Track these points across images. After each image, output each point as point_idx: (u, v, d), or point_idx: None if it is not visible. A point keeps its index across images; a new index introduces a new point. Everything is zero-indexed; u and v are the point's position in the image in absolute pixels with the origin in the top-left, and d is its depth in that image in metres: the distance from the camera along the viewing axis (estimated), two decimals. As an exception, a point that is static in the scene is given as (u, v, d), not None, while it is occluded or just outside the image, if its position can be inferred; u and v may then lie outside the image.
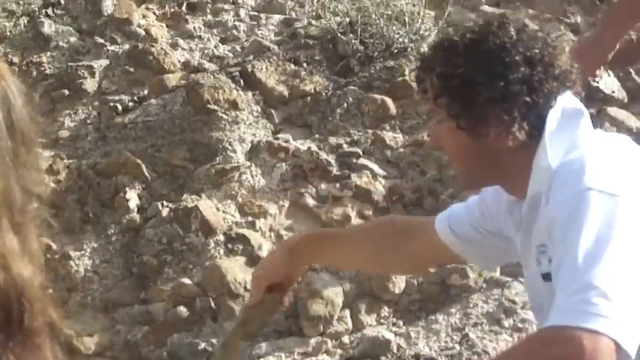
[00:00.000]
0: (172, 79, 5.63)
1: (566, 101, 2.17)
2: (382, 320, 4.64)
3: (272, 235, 4.89)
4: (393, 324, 4.62)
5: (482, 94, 2.10)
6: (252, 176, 5.08)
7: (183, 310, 4.62)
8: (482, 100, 2.11)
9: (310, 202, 4.95)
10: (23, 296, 0.89)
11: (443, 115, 2.18)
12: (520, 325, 4.41)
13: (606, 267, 1.91)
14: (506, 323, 4.41)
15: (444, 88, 2.16)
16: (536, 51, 2.12)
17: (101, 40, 6.06)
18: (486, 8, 5.97)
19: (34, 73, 5.94)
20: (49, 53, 6.05)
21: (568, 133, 2.13)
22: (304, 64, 5.57)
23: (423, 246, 2.56)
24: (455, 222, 2.49)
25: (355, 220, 4.87)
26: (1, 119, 0.93)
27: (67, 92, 5.72)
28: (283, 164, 5.10)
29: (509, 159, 2.17)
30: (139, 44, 5.89)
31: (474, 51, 2.13)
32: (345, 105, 5.31)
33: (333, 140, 5.18)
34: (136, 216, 5.01)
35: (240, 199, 5.00)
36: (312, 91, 5.42)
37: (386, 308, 4.66)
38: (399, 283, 4.63)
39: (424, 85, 2.24)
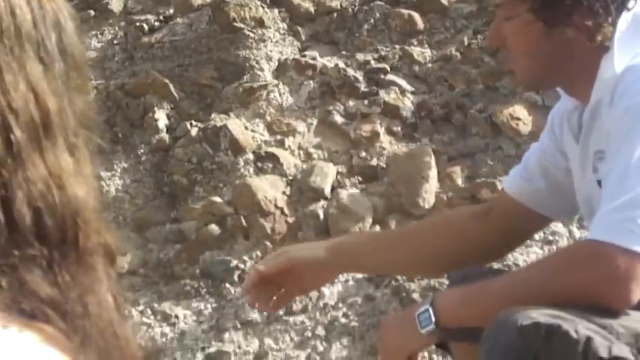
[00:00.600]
0: (198, -2, 5.59)
1: (637, 6, 2.14)
2: (412, 235, 4.65)
3: (301, 153, 4.90)
4: (423, 239, 4.63)
5: None
6: (279, 94, 5.07)
7: (214, 228, 4.65)
8: None
9: (338, 119, 4.94)
10: (78, 216, 0.90)
11: (519, 8, 2.14)
12: (550, 237, 4.42)
13: None
14: (536, 236, 4.41)
15: None
16: None
17: (125, -40, 6.02)
18: None
19: (59, -5, 5.91)
20: (73, -26, 6.02)
21: (637, 39, 2.11)
22: (330, -20, 5.51)
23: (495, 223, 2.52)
24: (522, 170, 2.49)
25: (384, 137, 4.86)
26: (54, 42, 0.94)
27: (92, 13, 5.70)
28: (311, 82, 5.08)
29: (579, 61, 2.14)
30: (164, -37, 5.84)
31: None
32: (372, 21, 5.26)
33: (360, 57, 5.15)
34: (165, 136, 5.03)
35: (268, 118, 5.00)
36: (339, 7, 5.37)
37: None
38: (428, 199, 4.64)
39: None
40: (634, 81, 2.01)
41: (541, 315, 1.85)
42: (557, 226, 4.40)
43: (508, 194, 2.47)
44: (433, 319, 2.08)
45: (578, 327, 1.83)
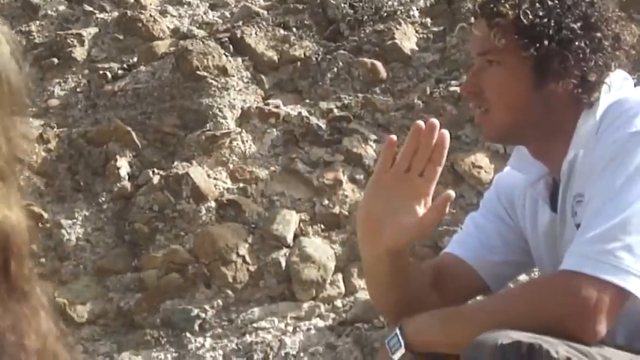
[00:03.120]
0: (162, 46, 5.60)
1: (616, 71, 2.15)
2: (374, 284, 4.63)
3: (264, 200, 4.89)
4: (386, 287, 4.61)
5: (570, 40, 2.09)
6: (242, 142, 5.06)
7: (175, 276, 4.62)
8: (570, 45, 2.09)
9: (301, 167, 4.94)
10: (8, 241, 0.86)
11: (512, 57, 2.12)
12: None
13: (636, 217, 1.89)
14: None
15: (527, 25, 2.10)
16: (611, 17, 2.14)
17: (90, 8, 6.02)
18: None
19: (24, 42, 5.90)
20: (37, 22, 6.02)
21: (617, 94, 2.11)
22: (294, 29, 5.54)
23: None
24: (479, 237, 2.39)
25: (347, 185, 4.86)
26: None
27: (56, 61, 5.69)
28: (274, 130, 5.08)
29: (559, 116, 2.12)
30: (128, 11, 5.85)
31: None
32: (335, 69, 5.28)
33: (323, 105, 5.16)
34: (127, 184, 5.00)
35: (231, 166, 4.99)
36: (302, 55, 5.39)
37: (378, 272, 4.65)
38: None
39: (495, 21, 2.12)
40: (619, 115, 2.00)
41: (521, 336, 1.85)
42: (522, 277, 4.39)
43: (466, 262, 2.38)
44: (402, 342, 2.06)
45: (558, 348, 1.82)
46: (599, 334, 1.89)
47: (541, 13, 2.10)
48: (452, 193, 2.06)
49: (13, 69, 0.95)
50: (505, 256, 2.36)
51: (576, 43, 2.09)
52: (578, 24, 2.10)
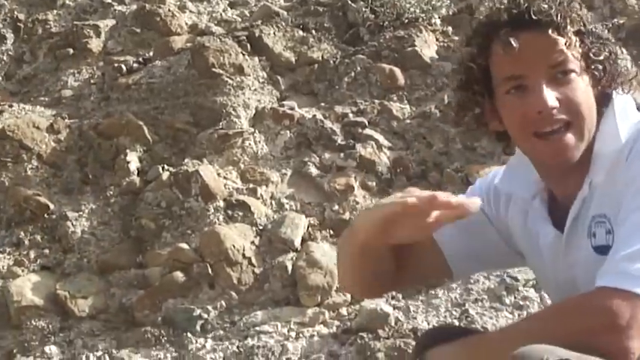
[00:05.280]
0: (178, 42, 5.55)
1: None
2: (381, 293, 4.56)
3: (273, 203, 4.82)
4: (392, 297, 4.54)
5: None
6: (255, 143, 5.00)
7: (179, 275, 4.55)
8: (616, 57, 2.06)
9: (313, 171, 4.87)
10: None
11: (581, 64, 2.03)
12: (521, 302, 4.33)
13: None
14: (507, 300, 4.33)
15: (592, 31, 2.06)
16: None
17: (108, 0, 5.98)
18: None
19: (40, 31, 5.87)
20: (55, 11, 5.97)
21: (633, 116, 2.06)
22: (313, 31, 5.48)
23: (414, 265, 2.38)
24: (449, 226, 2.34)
25: (358, 191, 4.79)
26: None
27: (71, 51, 5.65)
28: (287, 132, 5.02)
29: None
30: (147, 5, 5.81)
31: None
32: (353, 74, 5.22)
33: (338, 109, 5.10)
34: (135, 179, 4.94)
35: (242, 166, 4.92)
36: (320, 58, 5.33)
37: (385, 281, 4.58)
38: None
39: (567, 30, 2.04)
40: None
41: (567, 354, 1.78)
42: (529, 292, 4.32)
43: (437, 244, 2.33)
44: None
45: None
46: (631, 350, 1.82)
47: (590, 19, 2.05)
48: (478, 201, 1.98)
49: None
50: (475, 245, 2.31)
51: (613, 55, 2.04)
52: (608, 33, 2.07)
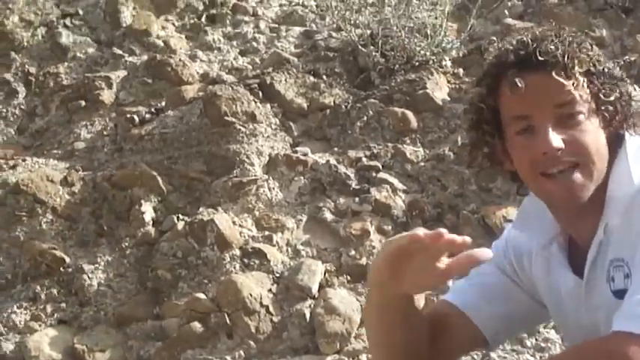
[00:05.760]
0: (190, 91, 5.56)
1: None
2: (401, 338, 4.52)
3: (289, 250, 4.80)
4: (412, 342, 4.50)
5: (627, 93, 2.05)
6: (269, 190, 4.99)
7: (197, 325, 4.52)
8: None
9: (329, 216, 4.85)
10: None
11: (590, 105, 2.00)
12: (543, 344, 4.29)
13: None
14: (528, 343, 4.29)
15: (602, 71, 2.02)
16: None
17: (119, 51, 6.01)
18: (510, 21, 5.87)
19: (51, 84, 5.89)
20: (66, 64, 6.00)
21: None
22: (324, 77, 5.48)
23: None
24: (481, 289, 2.27)
25: (374, 236, 4.76)
26: None
27: (83, 103, 5.67)
28: (301, 178, 5.01)
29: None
30: (158, 55, 5.83)
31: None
32: (365, 118, 5.21)
33: (352, 154, 5.09)
34: (151, 229, 4.93)
35: (257, 213, 4.91)
36: (332, 103, 5.33)
37: (405, 326, 4.54)
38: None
39: (575, 71, 2.01)
40: None
41: None
42: (550, 333, 4.28)
43: (464, 313, 2.28)
44: None
45: None
46: None
47: (602, 59, 2.03)
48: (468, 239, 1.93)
49: None
50: (505, 310, 2.27)
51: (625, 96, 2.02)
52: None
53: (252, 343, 4.45)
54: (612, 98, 2.01)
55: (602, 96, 2.00)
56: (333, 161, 5.04)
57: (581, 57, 2.00)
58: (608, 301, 2.00)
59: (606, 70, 2.02)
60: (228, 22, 6.18)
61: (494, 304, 2.26)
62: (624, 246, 1.96)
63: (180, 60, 5.78)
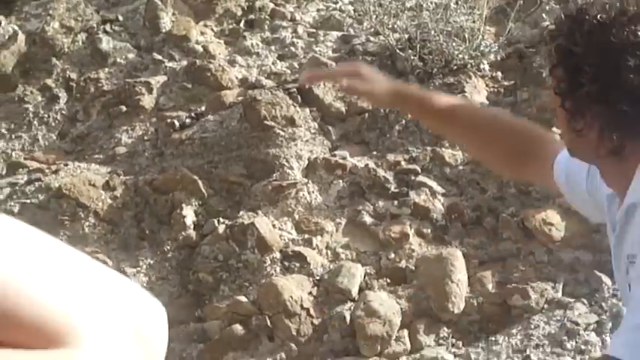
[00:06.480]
0: (230, 96, 5.60)
1: None
2: (441, 341, 4.55)
3: (329, 252, 4.83)
4: (453, 344, 4.52)
5: (585, 86, 1.88)
6: (309, 193, 5.02)
7: (238, 328, 4.56)
8: (584, 91, 1.89)
9: (368, 219, 4.88)
10: None
11: (554, 85, 1.97)
12: (583, 347, 4.29)
13: None
14: (568, 345, 4.29)
15: (558, 61, 1.96)
16: None
17: (159, 57, 6.06)
18: (548, 24, 5.86)
19: (92, 90, 5.95)
20: (106, 69, 6.06)
21: None
22: (362, 81, 5.50)
23: (538, 171, 2.36)
24: (571, 175, 2.27)
25: (413, 239, 4.78)
26: None
27: (124, 108, 5.72)
28: (340, 181, 5.04)
29: (606, 160, 2.01)
30: (197, 61, 5.88)
31: (597, 35, 1.88)
32: (404, 122, 5.24)
33: (391, 157, 5.11)
34: (192, 232, 4.98)
35: (296, 216, 4.95)
36: (370, 107, 5.36)
37: (445, 328, 4.56)
38: (458, 303, 4.53)
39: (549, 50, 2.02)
40: None
41: None
42: (590, 336, 4.28)
43: (553, 173, 2.29)
44: None
45: None
46: None
47: (572, 50, 2.04)
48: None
49: None
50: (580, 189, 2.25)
51: None
52: (604, 81, 2.03)
53: (293, 345, 4.49)
54: (561, 91, 1.97)
55: (557, 88, 1.97)
56: (371, 165, 5.07)
57: (558, 40, 1.98)
58: (624, 287, 2.00)
59: (575, 66, 1.99)
60: (266, 27, 6.21)
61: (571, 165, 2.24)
62: (637, 243, 1.96)
63: (219, 65, 5.83)
